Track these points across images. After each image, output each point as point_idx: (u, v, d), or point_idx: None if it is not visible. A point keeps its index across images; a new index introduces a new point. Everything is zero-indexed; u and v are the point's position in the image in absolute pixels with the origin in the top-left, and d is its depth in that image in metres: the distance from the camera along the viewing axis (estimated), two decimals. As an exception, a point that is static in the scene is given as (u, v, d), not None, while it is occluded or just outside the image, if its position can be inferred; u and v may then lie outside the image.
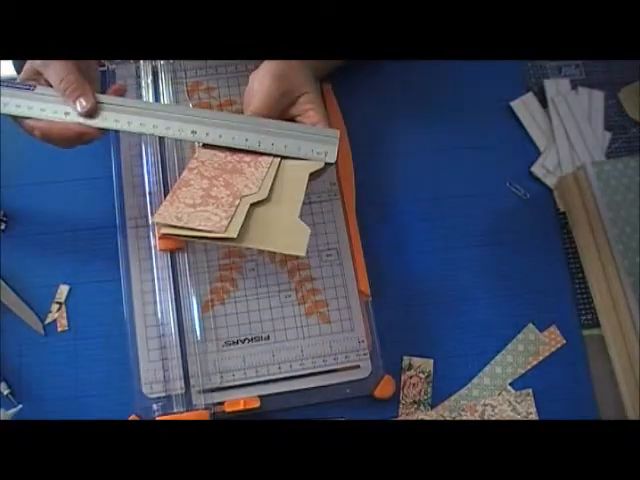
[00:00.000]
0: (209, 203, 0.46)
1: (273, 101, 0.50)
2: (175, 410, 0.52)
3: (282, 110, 0.52)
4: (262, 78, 0.51)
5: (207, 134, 0.50)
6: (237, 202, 0.47)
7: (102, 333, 0.55)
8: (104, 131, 0.50)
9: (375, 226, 0.59)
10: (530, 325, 0.58)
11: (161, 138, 0.58)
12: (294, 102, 0.52)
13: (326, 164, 0.49)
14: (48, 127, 0.49)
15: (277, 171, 0.49)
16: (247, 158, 0.50)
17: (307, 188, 0.48)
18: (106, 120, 0.49)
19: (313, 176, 0.49)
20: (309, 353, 0.54)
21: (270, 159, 0.50)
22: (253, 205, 0.47)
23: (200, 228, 0.45)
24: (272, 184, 0.48)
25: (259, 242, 0.45)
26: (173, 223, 0.45)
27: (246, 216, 0.46)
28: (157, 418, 0.52)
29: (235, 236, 0.44)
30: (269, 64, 0.51)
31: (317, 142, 0.50)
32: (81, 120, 0.49)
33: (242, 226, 0.45)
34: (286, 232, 0.46)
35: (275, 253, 0.56)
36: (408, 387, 0.56)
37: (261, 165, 0.49)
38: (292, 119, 0.52)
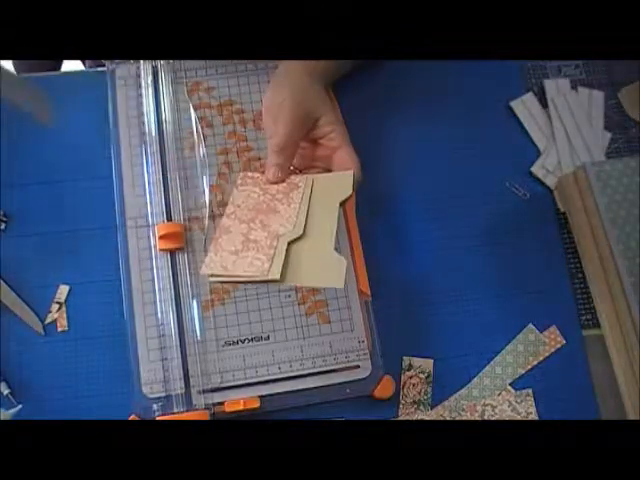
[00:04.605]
0: (250, 248, 0.49)
1: (296, 128, 0.52)
2: (175, 410, 0.52)
3: (305, 135, 0.53)
4: (281, 104, 0.51)
5: None
6: (275, 243, 0.49)
7: (102, 333, 0.55)
8: None
9: (375, 226, 0.59)
10: (530, 325, 0.58)
11: (161, 138, 0.58)
12: (315, 125, 0.53)
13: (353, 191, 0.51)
14: None
15: (309, 205, 0.51)
16: (279, 196, 0.52)
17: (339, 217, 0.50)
18: None
19: (343, 204, 0.51)
20: (309, 353, 0.54)
21: (300, 194, 0.51)
22: (290, 243, 0.49)
23: (245, 274, 0.47)
24: (306, 219, 0.50)
25: (299, 279, 0.48)
26: (220, 273, 0.48)
27: (285, 255, 0.48)
28: (157, 418, 0.51)
29: (278, 277, 0.47)
30: (284, 88, 0.52)
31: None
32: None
33: (282, 266, 0.47)
34: (323, 266, 0.48)
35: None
36: (408, 387, 0.56)
37: (293, 201, 0.51)
38: (314, 142, 0.54)
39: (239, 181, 0.54)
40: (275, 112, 0.52)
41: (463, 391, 0.56)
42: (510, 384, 0.56)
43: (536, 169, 0.63)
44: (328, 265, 0.47)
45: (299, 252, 0.48)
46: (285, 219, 0.50)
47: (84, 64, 0.97)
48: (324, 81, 0.56)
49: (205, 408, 0.52)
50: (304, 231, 0.49)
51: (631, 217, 0.57)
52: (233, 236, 0.50)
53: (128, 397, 0.52)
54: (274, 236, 0.49)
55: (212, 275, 0.49)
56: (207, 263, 0.49)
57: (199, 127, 0.59)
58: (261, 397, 0.53)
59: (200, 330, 0.54)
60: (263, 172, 0.54)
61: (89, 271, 0.57)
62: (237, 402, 0.52)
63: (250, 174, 0.54)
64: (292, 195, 0.52)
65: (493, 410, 0.55)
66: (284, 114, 0.51)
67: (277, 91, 0.53)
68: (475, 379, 0.56)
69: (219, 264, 0.48)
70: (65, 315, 0.56)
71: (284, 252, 0.48)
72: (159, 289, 0.55)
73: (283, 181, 0.53)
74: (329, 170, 0.54)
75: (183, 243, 0.55)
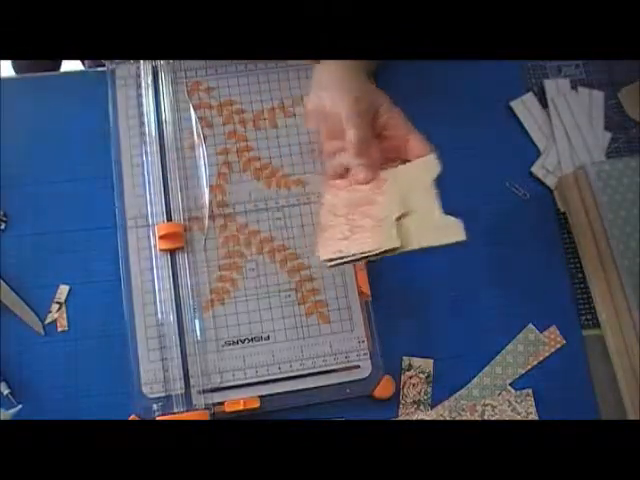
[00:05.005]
0: (358, 232, 0.49)
1: (364, 124, 0.51)
2: (175, 410, 0.52)
3: (371, 128, 0.52)
4: (341, 102, 0.50)
5: None
6: (382, 223, 0.48)
7: (102, 333, 0.55)
8: None
9: (375, 226, 0.59)
10: (530, 325, 0.58)
11: (161, 138, 0.58)
12: (376, 115, 0.52)
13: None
14: None
15: (404, 191, 0.50)
16: (372, 190, 0.51)
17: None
18: None
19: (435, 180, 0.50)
20: (309, 353, 0.54)
21: (392, 184, 0.50)
22: (399, 218, 0.48)
23: (363, 251, 0.47)
24: (405, 202, 0.49)
25: (420, 242, 0.47)
26: (337, 256, 0.48)
27: (398, 227, 0.47)
28: (157, 418, 0.52)
29: (398, 244, 0.46)
30: (333, 91, 0.51)
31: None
32: None
33: (397, 235, 0.47)
34: (439, 226, 0.47)
35: (275, 253, 0.56)
36: (408, 387, 0.56)
37: (387, 191, 0.50)
38: (378, 136, 0.52)
39: (327, 189, 0.53)
40: (334, 117, 0.51)
41: (463, 391, 0.56)
42: (510, 384, 0.56)
43: (536, 169, 0.63)
44: (443, 223, 0.47)
45: (410, 223, 0.48)
46: (387, 205, 0.49)
47: (84, 64, 0.97)
48: (366, 71, 0.55)
49: (205, 408, 0.52)
50: (409, 209, 0.49)
51: (631, 217, 0.57)
52: (336, 228, 0.50)
53: (128, 397, 0.52)
54: (379, 219, 0.49)
55: (329, 260, 0.48)
56: (321, 251, 0.49)
57: (199, 127, 0.59)
58: (261, 397, 0.53)
59: (200, 330, 0.54)
60: (341, 176, 0.53)
61: (89, 271, 0.57)
62: (237, 402, 0.52)
63: (332, 182, 0.53)
64: (384, 188, 0.51)
65: (493, 410, 0.55)
66: (347, 114, 0.50)
67: (326, 96, 0.52)
68: (475, 379, 0.56)
69: (334, 248, 0.48)
70: (65, 315, 0.56)
71: (394, 225, 0.48)
72: (159, 289, 0.55)
73: (374, 179, 0.52)
74: (406, 160, 0.53)
75: (183, 243, 0.55)
